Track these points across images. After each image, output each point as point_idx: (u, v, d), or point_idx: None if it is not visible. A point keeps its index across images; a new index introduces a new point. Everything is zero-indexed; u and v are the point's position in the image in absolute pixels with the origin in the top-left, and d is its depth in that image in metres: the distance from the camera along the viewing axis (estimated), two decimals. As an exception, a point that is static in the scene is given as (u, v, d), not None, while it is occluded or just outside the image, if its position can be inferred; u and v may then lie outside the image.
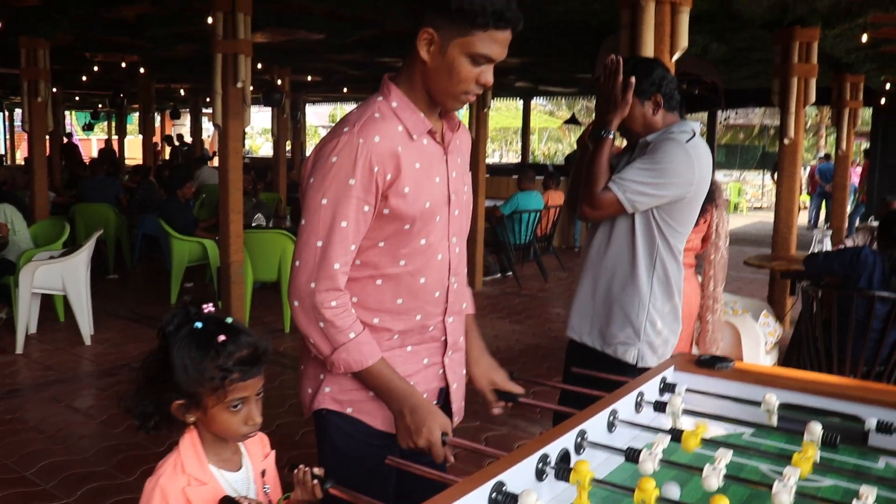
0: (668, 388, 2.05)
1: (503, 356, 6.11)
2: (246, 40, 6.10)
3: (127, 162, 18.34)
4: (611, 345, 2.64)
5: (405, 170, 1.77)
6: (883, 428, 1.77)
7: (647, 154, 2.54)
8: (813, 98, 6.74)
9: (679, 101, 2.65)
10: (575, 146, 13.55)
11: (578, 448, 1.65)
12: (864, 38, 7.75)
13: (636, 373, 2.43)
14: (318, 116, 34.40)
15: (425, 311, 1.89)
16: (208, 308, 1.69)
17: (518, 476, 1.45)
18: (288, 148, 15.51)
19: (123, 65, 11.96)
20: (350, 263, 1.77)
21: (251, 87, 6.38)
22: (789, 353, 4.70)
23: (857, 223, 13.59)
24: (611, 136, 2.59)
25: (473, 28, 1.68)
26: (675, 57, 3.92)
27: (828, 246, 6.64)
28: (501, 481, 1.40)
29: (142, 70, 12.92)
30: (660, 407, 1.93)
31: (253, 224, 7.78)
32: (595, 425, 1.73)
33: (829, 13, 6.78)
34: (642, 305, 2.60)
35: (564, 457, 1.60)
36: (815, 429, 1.69)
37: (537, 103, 26.88)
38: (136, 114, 19.09)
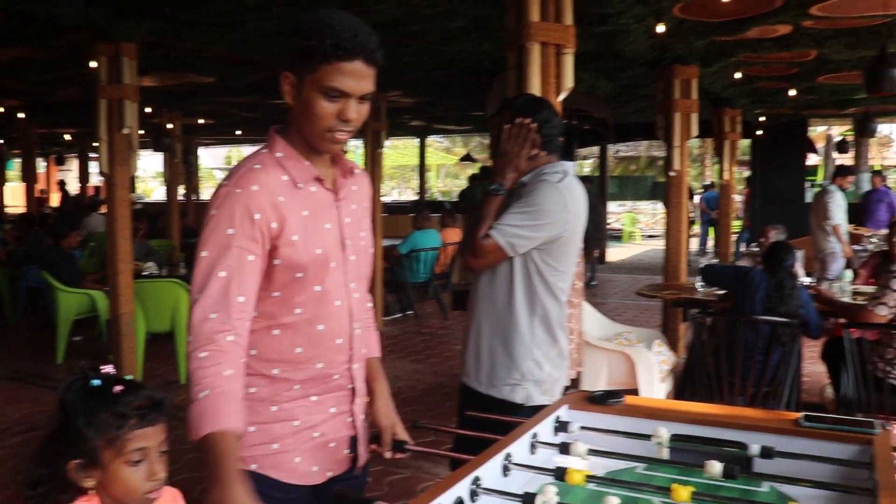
0: (562, 426, 2.06)
1: (405, 397, 6.06)
2: (132, 85, 5.94)
3: (7, 210, 17.49)
4: (497, 387, 2.65)
5: (291, 218, 1.75)
6: (765, 453, 1.83)
7: (522, 197, 2.59)
8: (695, 131, 7.04)
9: (559, 145, 2.72)
10: (468, 182, 13.73)
11: (473, 495, 1.63)
12: (738, 75, 8.18)
13: (527, 412, 2.44)
14: (214, 159, 33.83)
15: (327, 358, 1.85)
16: (107, 369, 1.64)
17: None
18: (182, 192, 15.12)
19: (1, 109, 11.46)
20: (234, 314, 1.70)
21: (140, 132, 6.20)
22: (683, 380, 4.83)
23: (741, 248, 14.21)
24: (503, 194, 2.63)
25: (318, 63, 1.66)
26: (561, 97, 4.02)
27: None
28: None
29: (21, 115, 12.40)
30: (555, 447, 1.94)
31: (144, 273, 7.51)
32: (489, 470, 1.72)
33: (705, 52, 7.14)
34: (525, 347, 2.62)
35: (459, 505, 1.58)
36: (715, 467, 1.72)
37: (433, 140, 27.20)
38: (19, 160, 18.29)
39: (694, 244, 16.58)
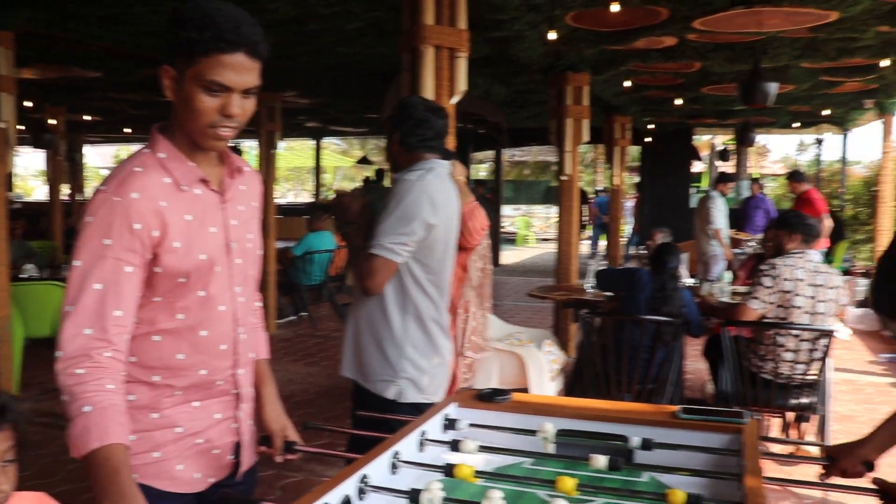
0: (450, 424, 2.09)
1: (298, 400, 5.99)
2: (8, 77, 5.65)
3: None
4: (372, 382, 2.71)
5: (172, 224, 1.68)
6: (645, 445, 1.90)
7: (388, 202, 2.69)
8: (586, 137, 7.24)
9: (434, 144, 2.80)
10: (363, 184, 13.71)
11: (361, 493, 1.64)
12: (628, 83, 8.47)
13: (404, 409, 2.54)
14: (102, 157, 32.49)
15: (211, 365, 1.79)
16: None
17: (299, 529, 1.41)
18: (67, 191, 14.48)
19: None
20: (111, 329, 1.61)
21: (20, 127, 5.90)
22: (573, 378, 4.97)
23: (630, 251, 14.69)
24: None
25: (198, 55, 1.60)
26: (454, 100, 4.07)
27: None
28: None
29: None
30: (444, 444, 1.96)
31: (23, 275, 7.16)
32: (378, 468, 1.72)
33: (596, 61, 7.35)
34: (398, 344, 2.69)
35: (346, 504, 1.58)
36: (600, 460, 1.78)
37: (330, 142, 26.96)
38: None
39: (585, 247, 17.02)
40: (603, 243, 15.88)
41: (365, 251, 2.66)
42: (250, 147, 20.94)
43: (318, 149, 17.72)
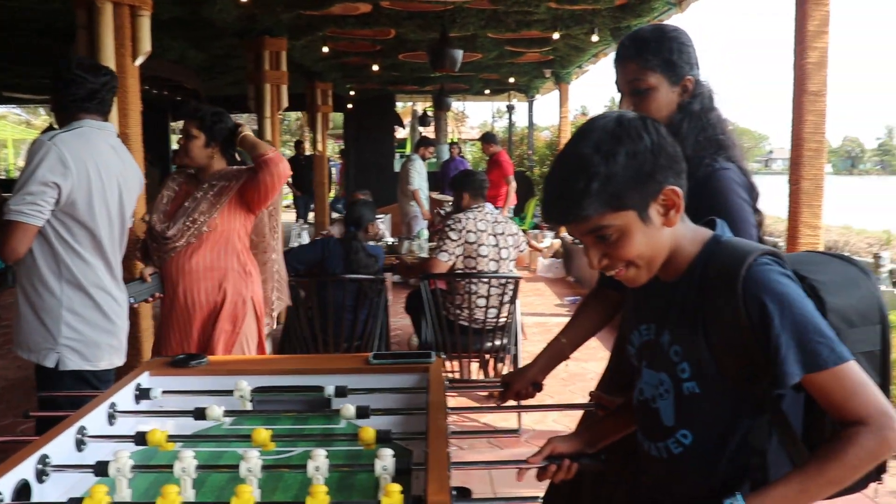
0: (143, 393, 2.02)
1: (-16, 396, 5.41)
2: None
3: None
4: (35, 352, 2.64)
5: None
6: (339, 393, 1.99)
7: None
8: (286, 103, 7.18)
9: (75, 103, 2.72)
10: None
11: (41, 475, 1.54)
12: (326, 49, 8.52)
13: (68, 379, 2.58)
14: None
15: None
16: None
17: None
18: None
19: None
20: None
21: None
22: (282, 343, 4.97)
23: (334, 215, 14.91)
24: None
25: None
26: (139, 61, 3.85)
27: (305, 238, 7.18)
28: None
29: None
30: (137, 415, 1.90)
31: None
32: (60, 447, 1.63)
33: (293, 25, 7.31)
34: (55, 311, 2.62)
35: (23, 489, 1.48)
36: (350, 410, 1.82)
37: (8, 111, 24.23)
38: None
39: (292, 215, 16.96)
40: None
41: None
42: None
43: (-9, 119, 15.82)
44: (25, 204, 2.50)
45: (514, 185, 9.99)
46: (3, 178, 17.35)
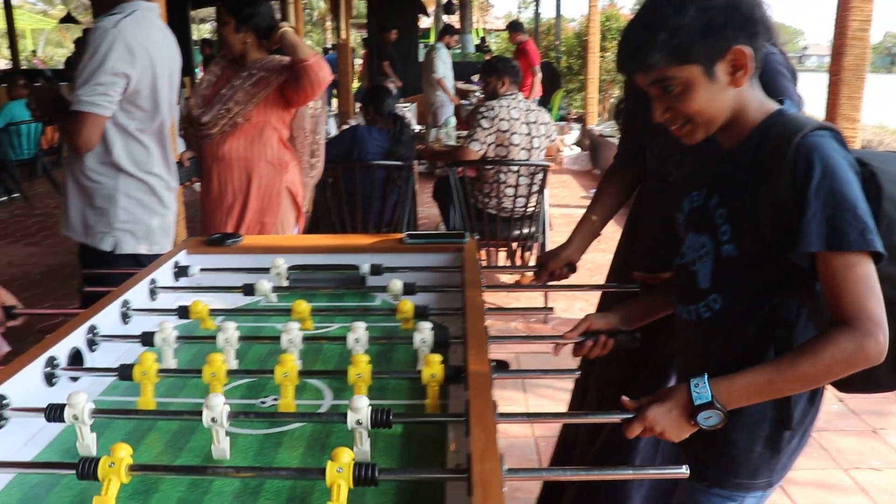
0: (182, 271, 2.06)
1: (21, 283, 5.54)
2: None
3: None
4: (91, 236, 2.64)
5: None
6: (374, 271, 2.01)
7: (84, 53, 2.52)
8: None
9: None
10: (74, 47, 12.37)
11: (91, 344, 1.59)
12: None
13: (126, 262, 2.56)
14: None
15: None
16: None
17: (22, 385, 1.34)
18: None
19: None
20: None
21: None
22: (310, 231, 4.99)
23: (358, 106, 14.75)
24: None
25: None
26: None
27: (332, 126, 7.13)
28: (2, 395, 1.29)
29: None
30: (176, 290, 1.94)
31: None
32: (107, 318, 1.67)
33: None
34: (112, 195, 2.62)
35: (76, 356, 1.53)
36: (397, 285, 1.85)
37: (26, 1, 23.89)
38: None
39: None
40: (336, 101, 15.81)
41: (69, 110, 2.51)
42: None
43: (8, 8, 15.57)
44: (97, 94, 2.46)
45: (539, 75, 9.78)
46: (24, 67, 17.21)
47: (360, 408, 1.18)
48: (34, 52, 28.76)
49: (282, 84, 3.15)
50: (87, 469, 1.10)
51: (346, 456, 1.07)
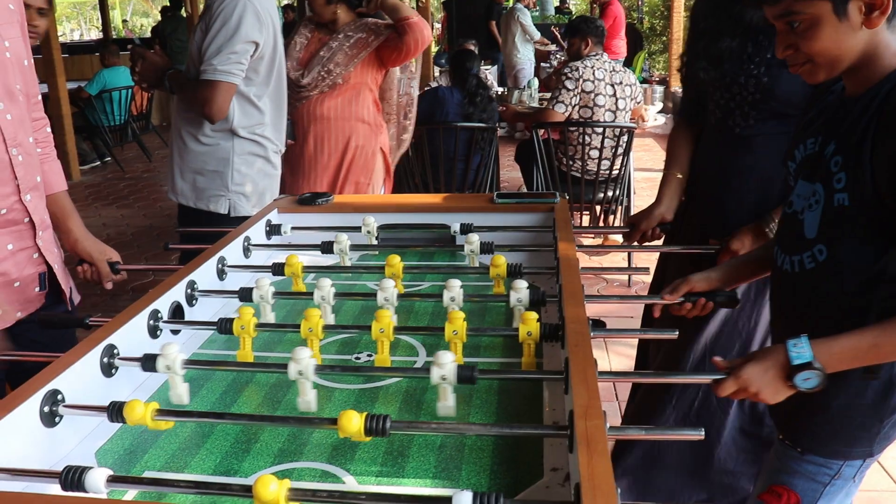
0: (274, 229, 2.08)
1: (115, 243, 5.64)
2: None
3: None
4: (204, 199, 2.65)
5: None
6: (465, 230, 1.99)
7: (210, 25, 2.48)
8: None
9: None
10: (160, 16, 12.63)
11: (190, 299, 1.62)
12: None
13: (236, 223, 2.48)
14: None
15: None
16: None
17: (129, 336, 1.38)
18: None
19: None
20: None
21: None
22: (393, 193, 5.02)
23: (439, 69, 14.69)
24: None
25: None
26: None
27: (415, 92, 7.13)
28: (112, 344, 1.33)
29: None
30: (269, 248, 1.97)
31: None
32: (204, 274, 1.70)
33: None
34: (228, 158, 2.62)
35: (177, 310, 1.56)
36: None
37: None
38: None
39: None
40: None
41: (197, 80, 2.50)
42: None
43: (99, -21, 16.02)
44: (231, 63, 2.47)
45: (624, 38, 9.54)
46: (115, 37, 17.72)
47: (445, 363, 1.17)
48: (125, 21, 29.55)
49: (380, 45, 3.13)
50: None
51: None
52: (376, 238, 2.02)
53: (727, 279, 1.63)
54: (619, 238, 5.01)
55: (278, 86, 2.72)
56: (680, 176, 2.12)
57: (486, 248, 1.85)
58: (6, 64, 1.65)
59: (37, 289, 1.78)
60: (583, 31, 4.66)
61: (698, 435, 1.07)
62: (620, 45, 9.44)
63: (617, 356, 3.57)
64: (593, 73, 4.49)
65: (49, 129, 1.90)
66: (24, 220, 1.72)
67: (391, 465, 1.16)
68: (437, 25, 17.46)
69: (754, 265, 1.65)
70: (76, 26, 33.49)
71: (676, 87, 10.45)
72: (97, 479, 0.98)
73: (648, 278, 4.52)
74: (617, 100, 4.54)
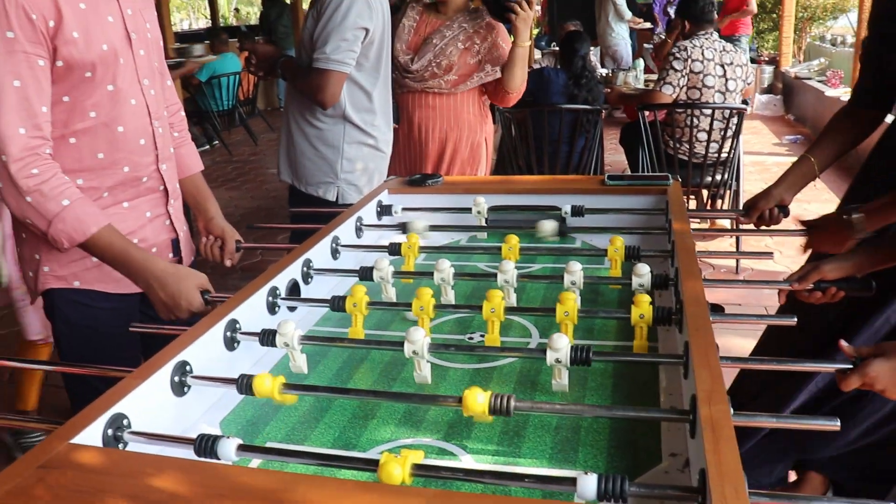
0: (385, 210, 2.11)
1: (224, 224, 5.93)
2: None
3: None
4: (313, 185, 2.69)
5: (67, 13, 1.56)
6: (576, 212, 1.97)
7: (321, 13, 2.51)
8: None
9: None
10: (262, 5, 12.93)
11: (306, 277, 1.66)
12: None
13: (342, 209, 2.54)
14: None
15: (132, 161, 1.74)
16: None
17: (250, 312, 1.43)
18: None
19: None
20: (44, 126, 1.56)
21: None
22: (496, 173, 5.01)
23: (539, 54, 14.55)
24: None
25: None
26: None
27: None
28: (234, 319, 1.38)
29: None
30: (381, 228, 1.99)
31: None
32: (319, 253, 1.74)
33: None
34: (337, 145, 2.65)
35: (294, 288, 1.60)
36: (546, 226, 1.85)
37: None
38: None
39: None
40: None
41: (309, 68, 2.55)
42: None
43: (208, -31, 16.51)
44: (342, 52, 2.49)
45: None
46: (222, 25, 18.27)
47: (561, 347, 1.16)
48: (237, 9, 30.39)
49: (493, 42, 3.09)
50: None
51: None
52: (486, 220, 2.02)
53: (865, 264, 1.55)
54: (726, 223, 4.86)
55: (386, 71, 2.73)
56: (813, 160, 2.01)
57: (561, 231, 1.85)
58: (149, 43, 1.76)
59: (171, 255, 1.89)
60: (689, 8, 4.52)
61: (834, 425, 1.02)
62: (746, 19, 8.86)
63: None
64: (702, 53, 4.36)
65: (183, 113, 2.00)
66: (160, 188, 1.83)
67: (507, 444, 1.16)
68: (537, 7, 17.27)
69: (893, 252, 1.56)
70: (185, 16, 34.67)
71: (786, 67, 10.04)
72: (228, 448, 1.01)
73: (757, 265, 4.42)
74: (727, 80, 4.39)
